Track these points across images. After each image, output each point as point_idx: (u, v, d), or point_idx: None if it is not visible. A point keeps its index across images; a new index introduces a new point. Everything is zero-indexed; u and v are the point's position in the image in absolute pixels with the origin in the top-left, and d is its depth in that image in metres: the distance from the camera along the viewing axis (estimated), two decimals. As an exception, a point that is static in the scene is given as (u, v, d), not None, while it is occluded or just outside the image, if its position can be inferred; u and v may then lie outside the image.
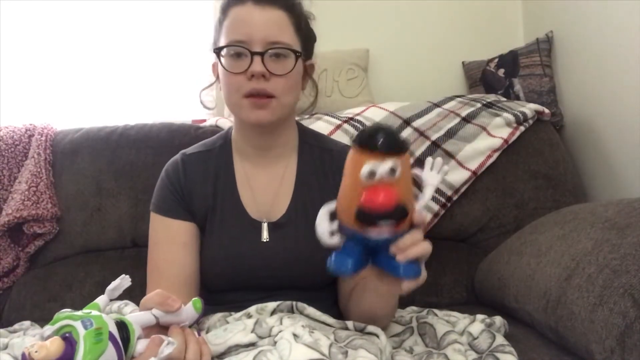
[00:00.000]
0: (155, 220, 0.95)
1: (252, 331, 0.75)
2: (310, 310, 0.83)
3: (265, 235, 0.92)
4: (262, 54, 0.85)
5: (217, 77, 0.95)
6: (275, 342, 0.69)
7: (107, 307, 1.00)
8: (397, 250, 0.63)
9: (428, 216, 1.32)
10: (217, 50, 0.90)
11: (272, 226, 0.93)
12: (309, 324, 0.78)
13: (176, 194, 0.94)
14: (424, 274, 0.67)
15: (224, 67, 0.88)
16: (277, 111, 0.88)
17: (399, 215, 0.60)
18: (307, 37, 0.95)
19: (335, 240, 0.64)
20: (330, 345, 0.71)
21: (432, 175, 0.68)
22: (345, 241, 0.65)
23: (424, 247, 0.66)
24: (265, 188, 0.96)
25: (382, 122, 0.63)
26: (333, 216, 0.65)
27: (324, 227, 0.64)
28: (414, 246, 0.64)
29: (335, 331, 0.78)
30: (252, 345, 0.73)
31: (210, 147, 1.00)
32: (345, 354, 0.71)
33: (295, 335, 0.70)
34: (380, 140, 0.59)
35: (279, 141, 0.96)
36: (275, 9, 0.88)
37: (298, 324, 0.75)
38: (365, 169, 0.59)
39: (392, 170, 0.59)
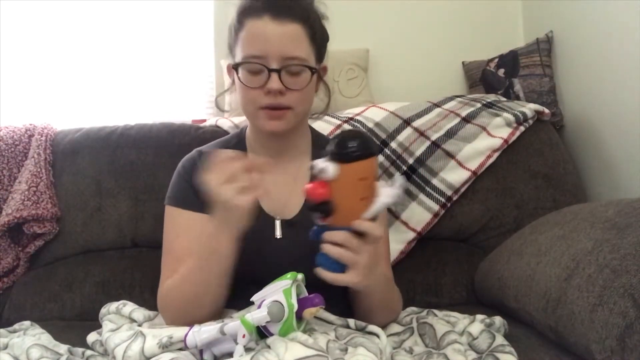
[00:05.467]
0: (173, 214, 0.96)
1: None
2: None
3: (278, 233, 0.93)
4: (279, 71, 0.87)
5: (233, 81, 0.96)
6: (269, 345, 0.69)
7: (105, 310, 1.00)
8: (323, 238, 0.74)
9: (427, 216, 1.32)
10: (236, 66, 0.91)
11: (286, 224, 0.94)
12: (310, 324, 0.78)
13: (194, 188, 0.94)
14: (348, 278, 0.74)
15: (241, 80, 0.90)
16: (292, 120, 0.91)
17: (323, 209, 0.73)
18: (320, 44, 0.96)
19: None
20: (328, 342, 0.72)
21: (388, 191, 0.76)
22: None
23: (340, 252, 0.73)
24: (279, 186, 0.97)
25: (359, 129, 0.80)
26: None
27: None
28: (334, 245, 0.73)
29: (336, 328, 0.79)
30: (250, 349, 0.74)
31: (225, 144, 1.02)
32: (345, 350, 0.71)
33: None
34: (328, 148, 0.72)
35: (292, 145, 0.99)
36: (292, 22, 0.88)
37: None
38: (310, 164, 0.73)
39: (321, 170, 0.71)
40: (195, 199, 0.93)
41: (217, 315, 0.86)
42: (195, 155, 1.00)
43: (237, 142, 1.02)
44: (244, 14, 0.91)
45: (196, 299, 0.83)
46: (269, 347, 0.69)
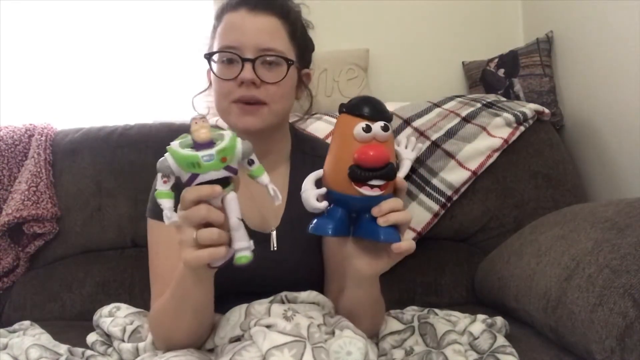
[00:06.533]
0: (153, 227, 0.93)
1: (240, 326, 0.77)
2: (304, 296, 0.83)
3: (274, 245, 0.91)
4: (252, 61, 0.85)
5: (210, 84, 0.94)
6: (252, 336, 0.71)
7: (97, 316, 1.00)
8: (379, 212, 0.65)
9: (427, 216, 1.32)
10: (208, 56, 0.89)
11: (269, 237, 0.92)
12: (295, 308, 0.79)
13: (175, 199, 0.92)
14: (412, 243, 0.68)
15: (214, 72, 0.88)
16: (267, 118, 0.87)
17: (390, 172, 0.64)
18: (303, 46, 0.93)
19: (322, 204, 0.67)
20: (309, 326, 0.73)
21: (408, 152, 0.70)
22: (329, 207, 0.68)
23: (405, 214, 0.67)
24: (259, 196, 0.93)
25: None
26: (318, 184, 0.69)
27: (310, 192, 0.67)
28: (394, 211, 0.66)
29: (325, 315, 0.80)
30: (238, 340, 0.75)
31: None
32: (332, 334, 0.73)
33: (270, 326, 0.72)
34: (370, 108, 0.65)
35: (271, 149, 0.95)
36: (269, 15, 0.87)
37: (280, 309, 0.78)
38: (361, 125, 0.64)
39: (386, 127, 0.64)
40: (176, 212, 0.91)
41: (202, 338, 0.82)
42: None
43: None
44: (222, 11, 0.90)
45: (175, 330, 0.79)
46: (251, 337, 0.70)
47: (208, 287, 0.75)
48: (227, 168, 0.63)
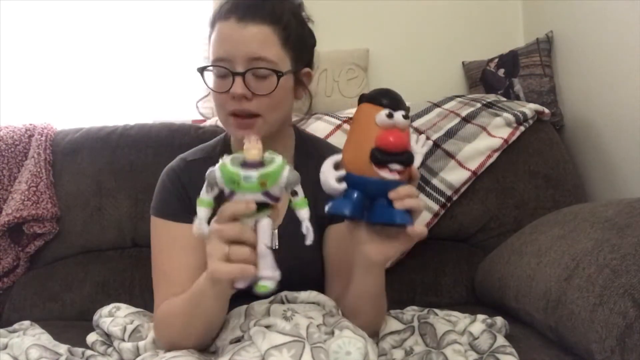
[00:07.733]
0: (157, 225, 0.93)
1: (240, 327, 0.77)
2: (304, 296, 0.83)
3: (276, 243, 0.90)
4: (243, 74, 0.84)
5: None
6: (251, 336, 0.71)
7: (97, 316, 1.00)
8: (396, 196, 0.68)
9: (427, 216, 1.32)
10: (201, 70, 0.88)
11: (278, 233, 0.91)
12: (295, 308, 0.79)
13: (180, 198, 0.91)
14: (425, 229, 0.71)
15: (207, 85, 0.88)
16: (263, 128, 0.87)
17: (410, 158, 0.69)
18: (299, 48, 0.91)
19: (341, 185, 0.69)
20: (309, 326, 0.73)
21: (419, 147, 0.74)
22: (347, 189, 0.70)
23: (418, 201, 0.70)
24: None
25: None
26: (336, 167, 0.72)
27: (329, 173, 0.70)
28: (410, 197, 0.69)
29: (325, 315, 0.80)
30: (239, 341, 0.75)
31: (210, 153, 0.97)
32: (331, 334, 0.73)
33: (269, 326, 0.72)
34: (391, 98, 0.69)
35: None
36: (259, 24, 0.85)
37: (280, 309, 0.78)
38: (384, 111, 0.68)
39: (406, 116, 0.68)
40: (181, 210, 0.89)
41: (206, 343, 0.83)
42: (181, 164, 0.95)
43: (222, 149, 0.97)
44: (215, 18, 0.89)
45: (183, 337, 0.80)
46: (250, 337, 0.71)
47: (224, 304, 0.76)
48: (266, 193, 0.64)
